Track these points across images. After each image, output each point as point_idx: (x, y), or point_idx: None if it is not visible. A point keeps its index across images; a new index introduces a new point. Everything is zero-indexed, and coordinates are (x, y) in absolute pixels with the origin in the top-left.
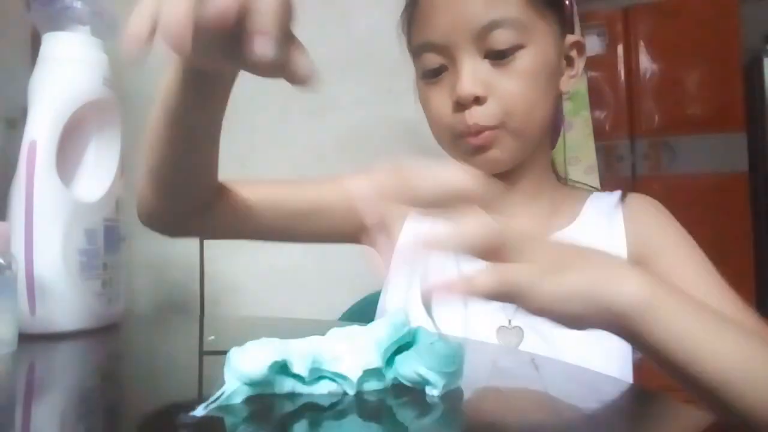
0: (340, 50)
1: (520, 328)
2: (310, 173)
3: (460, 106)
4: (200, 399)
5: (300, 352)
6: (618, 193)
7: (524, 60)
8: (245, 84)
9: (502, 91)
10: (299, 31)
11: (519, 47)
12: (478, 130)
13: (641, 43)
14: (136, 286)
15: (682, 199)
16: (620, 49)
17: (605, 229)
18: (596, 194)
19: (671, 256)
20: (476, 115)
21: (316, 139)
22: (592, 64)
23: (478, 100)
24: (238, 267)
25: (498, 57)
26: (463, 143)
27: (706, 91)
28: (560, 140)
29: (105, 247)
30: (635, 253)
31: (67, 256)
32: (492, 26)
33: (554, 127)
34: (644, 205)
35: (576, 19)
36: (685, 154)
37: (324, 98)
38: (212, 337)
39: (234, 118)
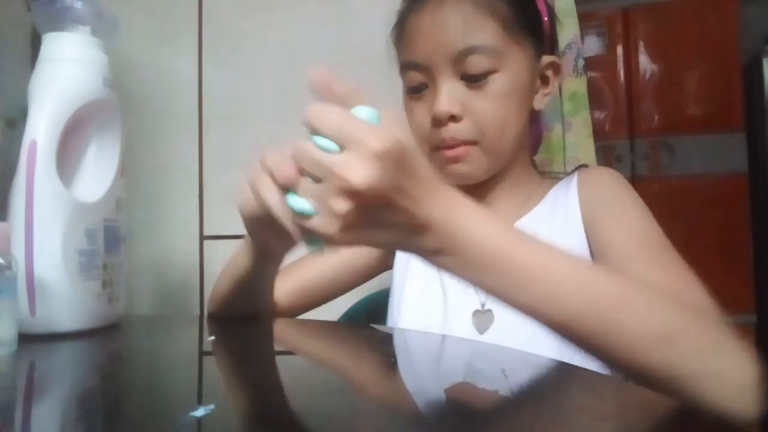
0: (340, 50)
1: (491, 311)
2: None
3: (438, 122)
4: (200, 399)
5: None
6: (577, 171)
7: (497, 83)
8: (246, 84)
9: (476, 110)
10: (299, 30)
11: (493, 71)
12: (454, 144)
13: (641, 43)
14: (136, 286)
15: (681, 199)
16: (620, 49)
17: (563, 206)
18: (566, 178)
19: (609, 223)
20: (452, 131)
21: None
22: (591, 64)
23: (453, 118)
24: None
25: (473, 80)
26: (438, 155)
27: (706, 91)
28: (560, 140)
29: (105, 247)
30: (586, 220)
31: (67, 256)
32: (468, 52)
33: (534, 136)
34: (596, 176)
35: (573, 29)
36: (684, 154)
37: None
38: (212, 337)
39: (234, 118)
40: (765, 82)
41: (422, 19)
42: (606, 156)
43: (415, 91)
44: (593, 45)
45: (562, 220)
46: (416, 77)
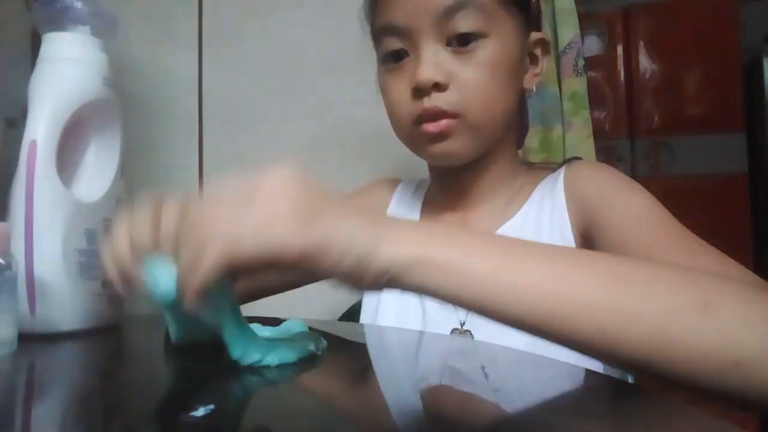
0: (340, 50)
1: (470, 331)
2: (309, 173)
3: (420, 92)
4: (200, 399)
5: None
6: (564, 166)
7: (486, 50)
8: (246, 84)
9: (462, 79)
10: (299, 30)
11: (481, 35)
12: (437, 114)
13: (641, 43)
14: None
15: (682, 199)
16: (620, 49)
17: (549, 205)
18: (553, 173)
19: (609, 210)
20: (435, 100)
21: (316, 139)
22: (592, 64)
23: (438, 87)
24: None
25: (460, 43)
26: (420, 132)
27: (706, 91)
28: (560, 140)
29: None
30: (580, 224)
31: (67, 256)
32: (456, 7)
33: (521, 125)
34: (586, 172)
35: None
36: (684, 155)
37: (324, 98)
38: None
39: (234, 118)
40: (765, 82)
41: None
42: (606, 156)
43: (393, 60)
44: (593, 45)
45: (547, 220)
46: (395, 43)
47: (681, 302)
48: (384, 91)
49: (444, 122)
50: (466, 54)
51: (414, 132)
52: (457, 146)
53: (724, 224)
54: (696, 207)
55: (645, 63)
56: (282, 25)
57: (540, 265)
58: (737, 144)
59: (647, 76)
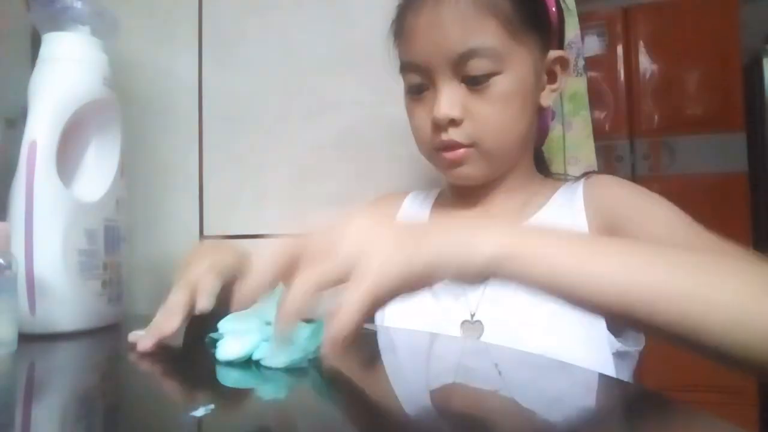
0: (340, 50)
1: (480, 322)
2: (310, 173)
3: (438, 126)
4: (200, 399)
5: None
6: (583, 177)
7: (499, 85)
8: (246, 84)
9: (476, 114)
10: (299, 30)
11: (495, 74)
12: (453, 146)
13: (641, 43)
14: (136, 286)
15: (681, 199)
16: (620, 49)
17: (568, 210)
18: (571, 182)
19: (638, 216)
20: (451, 134)
21: (316, 139)
22: (591, 64)
23: (453, 122)
24: None
25: (474, 82)
26: (440, 157)
27: (706, 91)
28: (560, 140)
29: (105, 247)
30: (600, 225)
31: (67, 256)
32: (469, 55)
33: (539, 130)
34: (602, 181)
35: (573, 26)
36: (684, 154)
37: (324, 98)
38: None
39: (234, 118)
40: (765, 82)
41: (421, 18)
42: (606, 156)
43: (415, 92)
44: (593, 45)
45: (567, 224)
46: (416, 78)
47: (756, 290)
48: (408, 115)
49: (461, 151)
50: (480, 90)
51: (434, 156)
52: (473, 171)
53: (724, 224)
54: (695, 207)
55: (645, 63)
56: (282, 25)
57: (623, 255)
58: (737, 144)
59: (647, 76)
